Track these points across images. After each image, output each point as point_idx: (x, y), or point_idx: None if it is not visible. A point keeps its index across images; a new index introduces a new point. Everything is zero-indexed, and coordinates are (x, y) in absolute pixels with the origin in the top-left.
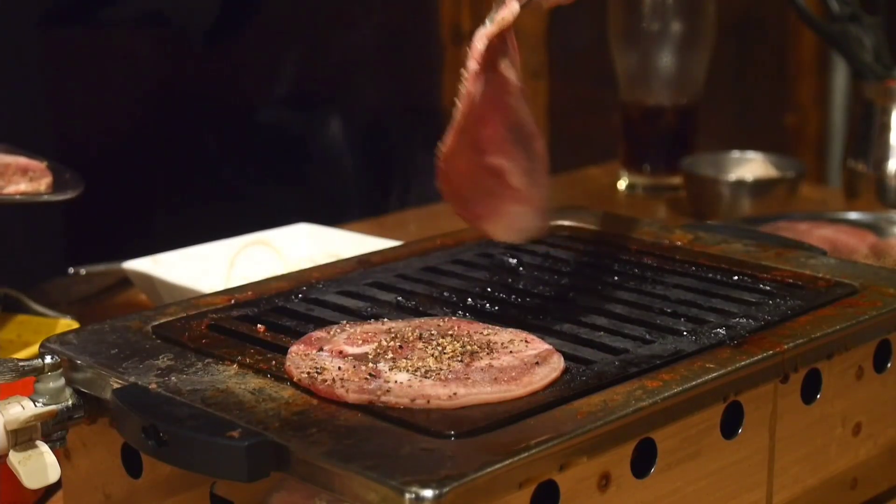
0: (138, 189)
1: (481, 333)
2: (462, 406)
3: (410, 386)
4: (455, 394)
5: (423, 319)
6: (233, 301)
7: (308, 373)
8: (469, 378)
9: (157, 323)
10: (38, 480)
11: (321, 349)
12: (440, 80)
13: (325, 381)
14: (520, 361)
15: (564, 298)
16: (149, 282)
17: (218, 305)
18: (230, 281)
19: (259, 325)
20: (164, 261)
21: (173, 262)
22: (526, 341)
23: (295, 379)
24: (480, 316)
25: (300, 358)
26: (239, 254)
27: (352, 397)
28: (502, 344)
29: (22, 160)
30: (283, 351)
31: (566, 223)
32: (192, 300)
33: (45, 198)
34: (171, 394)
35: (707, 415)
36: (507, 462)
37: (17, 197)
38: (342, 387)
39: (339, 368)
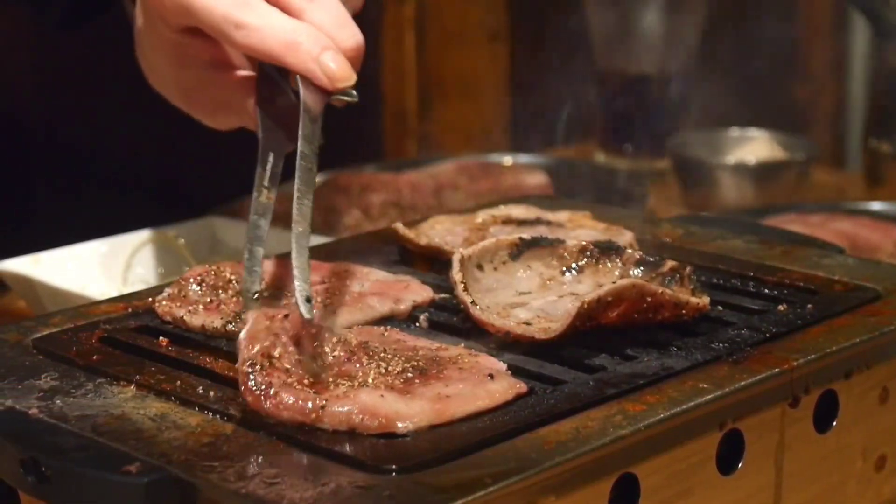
0: (15, 174)
1: (428, 349)
2: (409, 431)
3: (352, 406)
4: (399, 413)
5: (362, 328)
6: (129, 309)
7: (254, 363)
8: (416, 397)
9: (38, 335)
10: None
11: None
12: (379, 40)
13: (268, 381)
14: (471, 377)
15: None
16: (29, 286)
17: (112, 314)
18: (126, 285)
19: (161, 338)
20: (48, 260)
21: (58, 263)
22: (475, 356)
23: (242, 360)
24: (434, 327)
25: (262, 332)
26: (136, 252)
27: (285, 415)
28: (451, 359)
29: None
30: (190, 368)
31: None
32: (81, 308)
33: None
34: (55, 420)
35: (700, 445)
36: None
37: None
38: (275, 399)
39: (288, 370)
